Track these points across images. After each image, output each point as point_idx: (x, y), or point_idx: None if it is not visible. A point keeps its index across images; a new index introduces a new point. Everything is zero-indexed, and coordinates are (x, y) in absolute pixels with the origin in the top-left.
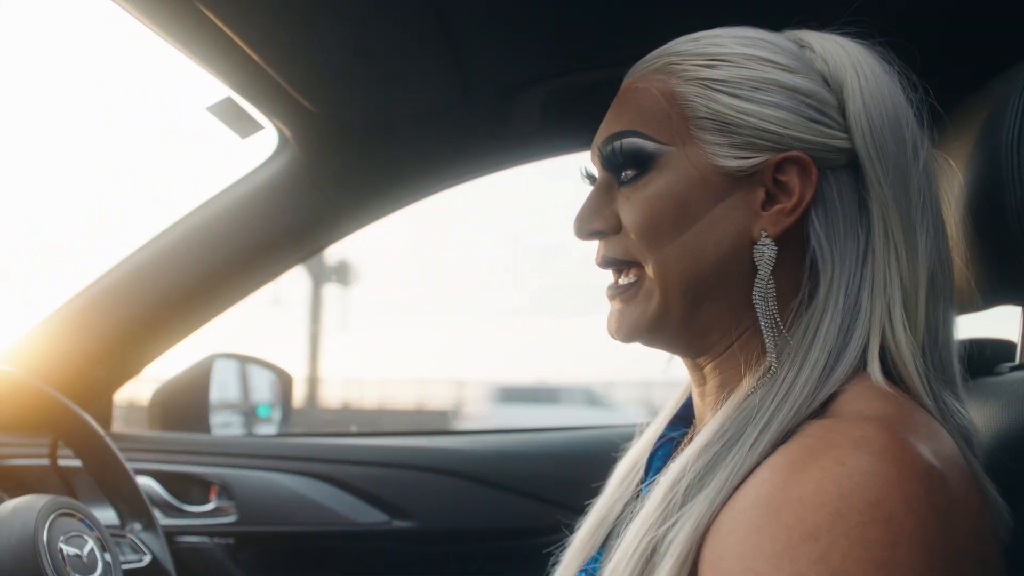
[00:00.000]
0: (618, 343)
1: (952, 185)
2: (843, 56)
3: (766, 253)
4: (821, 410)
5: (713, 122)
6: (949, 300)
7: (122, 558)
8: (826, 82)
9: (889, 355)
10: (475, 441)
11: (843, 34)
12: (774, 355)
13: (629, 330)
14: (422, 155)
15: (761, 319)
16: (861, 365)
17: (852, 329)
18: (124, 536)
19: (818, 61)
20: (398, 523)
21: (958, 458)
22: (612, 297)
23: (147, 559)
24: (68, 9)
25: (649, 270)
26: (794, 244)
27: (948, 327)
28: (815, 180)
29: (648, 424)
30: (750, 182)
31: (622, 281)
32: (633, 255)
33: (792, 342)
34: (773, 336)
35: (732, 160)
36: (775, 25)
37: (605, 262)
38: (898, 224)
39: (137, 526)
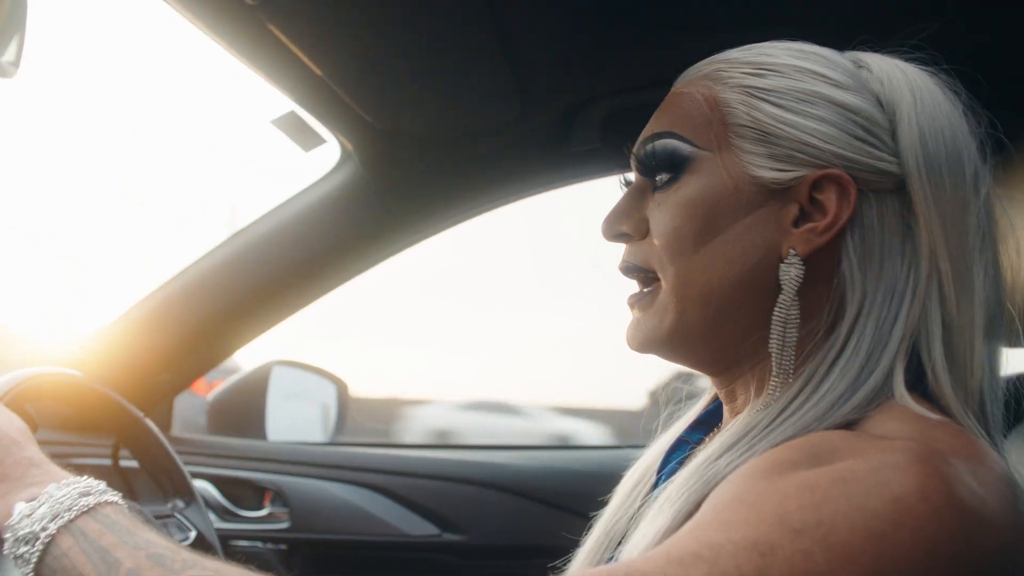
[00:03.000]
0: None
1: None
2: (901, 78)
3: (792, 272)
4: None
5: (753, 131)
6: (1000, 342)
7: None
8: (880, 103)
9: (932, 393)
10: (528, 456)
11: (908, 60)
12: (778, 380)
13: (643, 341)
14: (482, 170)
15: (773, 341)
16: (890, 392)
17: (879, 361)
18: (170, 516)
19: (874, 81)
20: (448, 536)
21: (1005, 482)
22: (631, 305)
23: (192, 535)
24: (141, 25)
25: (667, 281)
26: (824, 267)
27: (997, 370)
28: (853, 201)
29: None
30: (784, 196)
31: (644, 289)
32: (652, 264)
33: (809, 366)
34: (779, 361)
35: (768, 171)
36: (838, 47)
37: (627, 269)
38: (947, 257)
39: (180, 503)
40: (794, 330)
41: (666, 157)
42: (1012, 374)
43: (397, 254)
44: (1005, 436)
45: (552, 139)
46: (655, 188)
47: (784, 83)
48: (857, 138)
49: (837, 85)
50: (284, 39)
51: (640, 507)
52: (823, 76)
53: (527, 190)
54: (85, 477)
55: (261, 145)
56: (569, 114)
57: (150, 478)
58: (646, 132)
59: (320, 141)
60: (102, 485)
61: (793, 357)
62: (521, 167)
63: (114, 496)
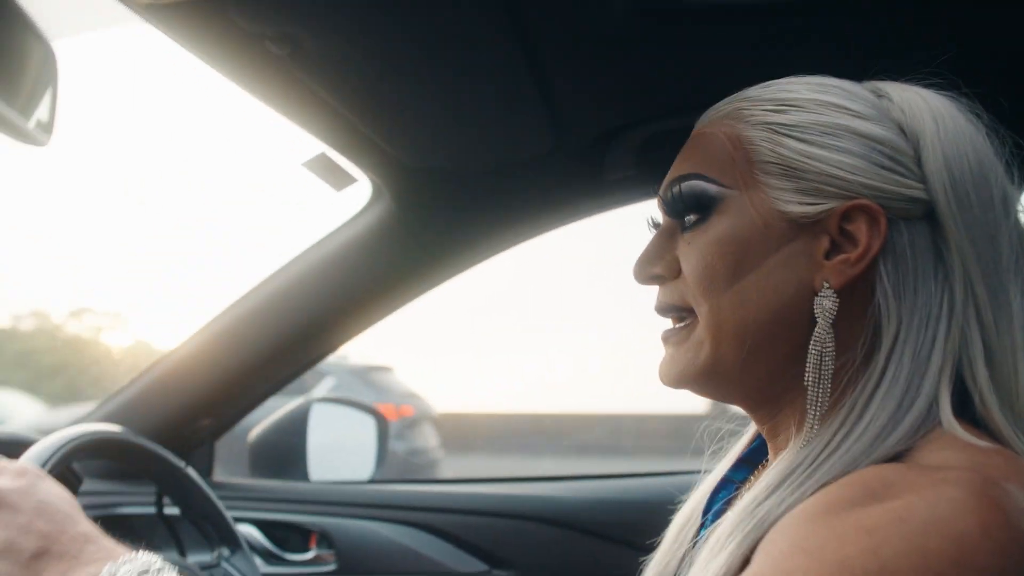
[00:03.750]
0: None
1: None
2: (922, 106)
3: (826, 305)
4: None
5: (779, 167)
6: None
7: None
8: (903, 131)
9: (980, 418)
10: (574, 488)
11: (927, 86)
12: (815, 413)
13: (678, 376)
14: (515, 202)
15: (809, 373)
16: (936, 420)
17: (920, 389)
18: (216, 565)
19: (895, 110)
20: (497, 572)
21: None
22: (665, 340)
23: None
24: (172, 74)
25: (703, 317)
26: (859, 297)
27: None
28: (884, 230)
29: (707, 472)
30: (814, 230)
31: (679, 325)
32: (688, 301)
33: (850, 399)
34: (815, 394)
35: (797, 206)
36: (861, 77)
37: (663, 308)
38: (982, 280)
39: (226, 551)
40: (830, 361)
41: (693, 198)
42: None
43: (433, 288)
44: None
45: (586, 168)
46: (684, 228)
47: (806, 117)
48: (883, 167)
49: (859, 116)
50: (313, 85)
51: (689, 549)
52: (845, 108)
53: (561, 220)
54: (141, 552)
55: (291, 187)
56: (602, 142)
57: (195, 527)
58: (672, 174)
59: (351, 180)
60: (159, 562)
61: (830, 390)
62: (555, 197)
63: (172, 571)
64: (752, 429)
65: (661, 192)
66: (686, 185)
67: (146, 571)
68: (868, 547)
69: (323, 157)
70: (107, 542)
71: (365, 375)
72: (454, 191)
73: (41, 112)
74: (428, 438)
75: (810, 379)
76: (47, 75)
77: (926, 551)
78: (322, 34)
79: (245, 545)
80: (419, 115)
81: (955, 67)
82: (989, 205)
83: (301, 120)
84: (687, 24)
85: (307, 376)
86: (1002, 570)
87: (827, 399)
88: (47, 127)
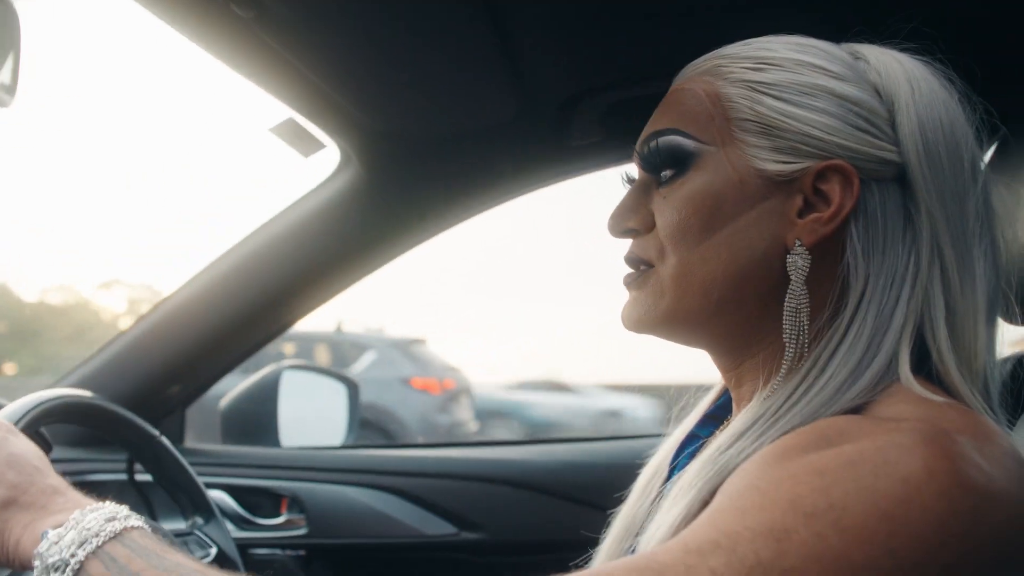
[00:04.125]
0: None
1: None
2: (898, 69)
3: (799, 262)
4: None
5: (756, 124)
6: (996, 324)
7: None
8: (878, 93)
9: (937, 375)
10: (542, 451)
11: (903, 50)
12: (786, 365)
13: (637, 320)
14: (483, 168)
15: (787, 329)
16: (895, 376)
17: (881, 346)
18: (190, 534)
19: (872, 72)
20: (466, 535)
21: (1013, 458)
22: (627, 285)
23: (213, 551)
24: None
25: (670, 268)
26: (829, 256)
27: (995, 351)
28: (856, 191)
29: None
30: (789, 188)
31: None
32: (652, 255)
33: (813, 353)
34: (795, 348)
35: (773, 164)
36: (833, 38)
37: (633, 260)
38: (949, 243)
39: (199, 520)
40: (805, 318)
41: (670, 153)
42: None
43: (403, 254)
44: (1015, 418)
45: (552, 134)
46: (660, 183)
47: (785, 76)
48: (859, 128)
49: (837, 77)
50: (279, 49)
51: (655, 499)
52: (823, 68)
53: (529, 186)
54: (108, 502)
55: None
56: (567, 108)
57: (167, 494)
58: (648, 129)
59: (319, 146)
60: (126, 510)
61: (807, 344)
62: (522, 163)
63: (139, 520)
64: (719, 386)
65: (637, 147)
66: (663, 140)
67: (113, 518)
68: (819, 486)
69: (291, 122)
70: (75, 494)
71: (406, 348)
72: (422, 156)
73: (3, 74)
74: (467, 410)
75: (789, 334)
76: (9, 37)
77: (874, 490)
78: None
79: (218, 512)
80: (385, 79)
81: (929, 34)
82: (960, 169)
83: (267, 84)
84: None
85: (348, 350)
86: (946, 512)
87: (804, 353)
88: (10, 89)
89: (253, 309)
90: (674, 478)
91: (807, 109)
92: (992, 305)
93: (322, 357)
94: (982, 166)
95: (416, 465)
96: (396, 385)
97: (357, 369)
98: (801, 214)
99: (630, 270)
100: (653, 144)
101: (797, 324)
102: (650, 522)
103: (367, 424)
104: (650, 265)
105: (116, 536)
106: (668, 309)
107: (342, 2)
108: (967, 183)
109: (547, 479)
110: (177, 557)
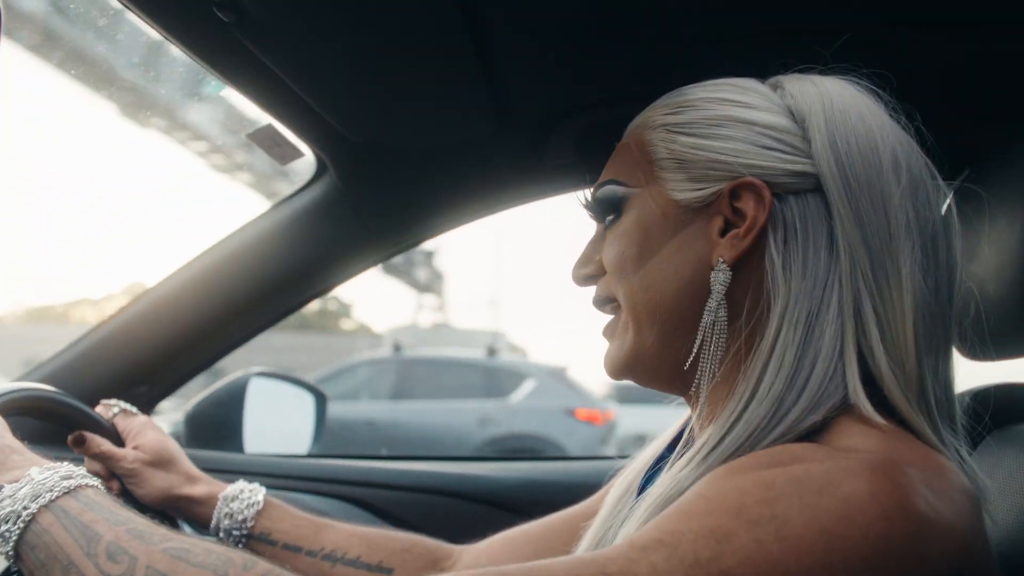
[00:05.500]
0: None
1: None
2: (812, 90)
3: (720, 277)
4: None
5: (672, 161)
6: (945, 334)
7: None
8: (792, 115)
9: (880, 388)
10: (509, 468)
11: (829, 73)
12: (707, 382)
13: (612, 367)
14: (458, 183)
15: (699, 343)
16: (844, 396)
17: (817, 355)
18: None
19: (787, 97)
20: None
21: (962, 493)
22: (604, 336)
23: None
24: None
25: (622, 301)
26: (752, 270)
27: (947, 364)
28: (769, 203)
29: (643, 450)
30: (708, 212)
31: (611, 318)
32: (612, 292)
33: (747, 371)
34: (708, 363)
35: (688, 192)
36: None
37: (598, 302)
38: (863, 247)
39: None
40: (722, 332)
41: (608, 201)
42: (980, 387)
43: (374, 266)
44: (975, 447)
45: (529, 152)
46: (606, 228)
47: (696, 115)
48: (767, 148)
49: (747, 106)
50: (259, 55)
51: (625, 518)
52: (733, 101)
53: (502, 204)
54: (65, 463)
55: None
56: (544, 128)
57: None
58: (596, 184)
59: (297, 154)
60: (82, 470)
61: (719, 358)
62: (498, 179)
63: (94, 480)
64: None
65: (584, 203)
66: (602, 191)
67: (70, 476)
68: (764, 498)
69: (269, 128)
70: (33, 454)
71: (561, 376)
72: (398, 168)
73: None
74: (616, 439)
75: (707, 351)
76: None
77: (817, 507)
78: (268, 2)
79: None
80: (363, 90)
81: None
82: (877, 173)
83: (246, 90)
84: (633, 17)
85: (507, 378)
86: (885, 534)
87: (717, 368)
88: None
89: (223, 314)
90: (640, 497)
91: (714, 139)
92: (921, 309)
93: (477, 383)
94: (906, 169)
95: (380, 476)
96: (560, 416)
97: (517, 398)
98: (723, 234)
99: (608, 319)
100: (596, 195)
101: (713, 338)
102: (617, 539)
103: (533, 452)
104: (613, 300)
105: (70, 492)
106: (632, 345)
107: (323, 12)
108: (889, 185)
109: (512, 495)
110: (129, 513)
